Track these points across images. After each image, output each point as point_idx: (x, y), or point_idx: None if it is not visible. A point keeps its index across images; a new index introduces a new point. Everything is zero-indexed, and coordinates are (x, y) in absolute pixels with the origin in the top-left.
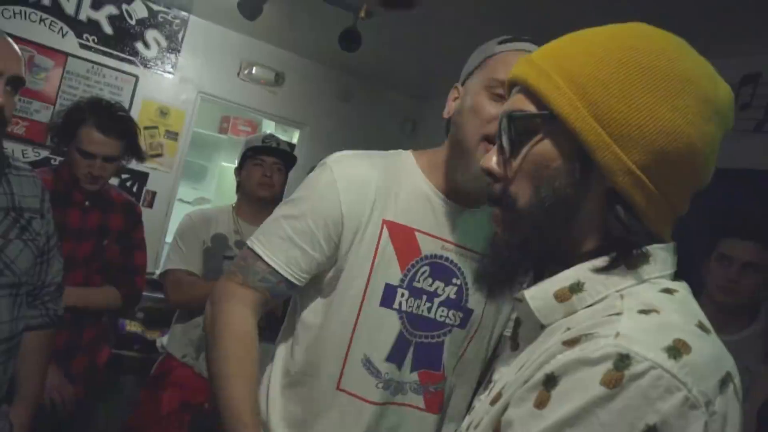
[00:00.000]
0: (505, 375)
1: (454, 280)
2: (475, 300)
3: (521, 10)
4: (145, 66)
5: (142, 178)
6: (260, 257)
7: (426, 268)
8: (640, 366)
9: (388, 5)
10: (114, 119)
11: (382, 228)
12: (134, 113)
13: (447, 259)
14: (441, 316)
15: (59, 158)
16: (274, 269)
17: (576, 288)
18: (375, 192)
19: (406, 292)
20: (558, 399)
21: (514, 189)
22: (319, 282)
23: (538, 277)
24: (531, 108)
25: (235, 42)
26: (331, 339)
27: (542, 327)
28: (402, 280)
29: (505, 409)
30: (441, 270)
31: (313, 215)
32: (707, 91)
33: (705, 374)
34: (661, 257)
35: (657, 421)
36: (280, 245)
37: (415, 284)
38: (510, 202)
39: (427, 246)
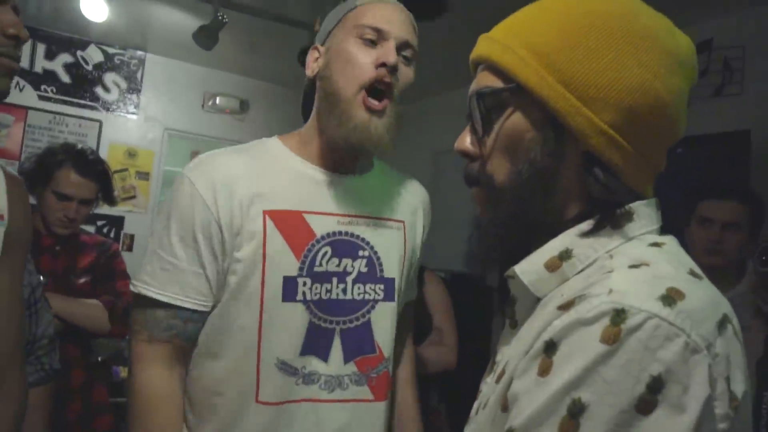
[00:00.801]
0: (507, 353)
1: (361, 253)
2: (391, 268)
3: (489, 15)
4: (108, 110)
5: (118, 222)
6: (154, 300)
7: (326, 248)
8: (637, 318)
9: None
10: (90, 162)
11: (264, 220)
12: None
13: (346, 233)
14: (359, 294)
15: None
16: (174, 307)
17: (565, 255)
18: (244, 185)
19: (308, 280)
20: (560, 363)
21: (491, 166)
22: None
23: (528, 252)
24: (498, 83)
25: (195, 74)
26: (235, 351)
27: (538, 300)
28: (300, 269)
29: (510, 384)
30: (344, 246)
31: (186, 233)
32: (669, 45)
33: (702, 318)
34: (645, 213)
35: (661, 370)
36: (168, 277)
37: (317, 269)
38: (489, 180)
39: (321, 225)
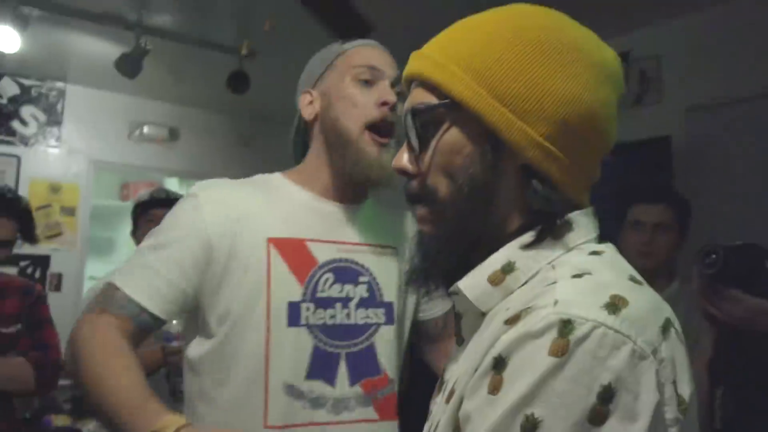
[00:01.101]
0: (455, 371)
1: (361, 279)
2: (389, 292)
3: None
4: (26, 144)
5: (43, 261)
6: (119, 288)
7: (328, 275)
8: (584, 328)
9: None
10: (5, 200)
11: (268, 248)
12: (22, 194)
13: (347, 260)
14: (362, 318)
15: None
16: (134, 300)
17: (508, 268)
18: (248, 213)
19: (311, 305)
20: (510, 379)
21: (431, 183)
22: (204, 325)
23: (470, 267)
24: (432, 100)
25: (120, 104)
26: (243, 377)
27: (483, 315)
28: (303, 294)
29: (460, 403)
30: (345, 273)
31: (179, 243)
32: (596, 57)
33: (646, 324)
34: (583, 223)
35: (611, 379)
36: (141, 275)
37: (320, 294)
38: (430, 197)
39: (322, 253)
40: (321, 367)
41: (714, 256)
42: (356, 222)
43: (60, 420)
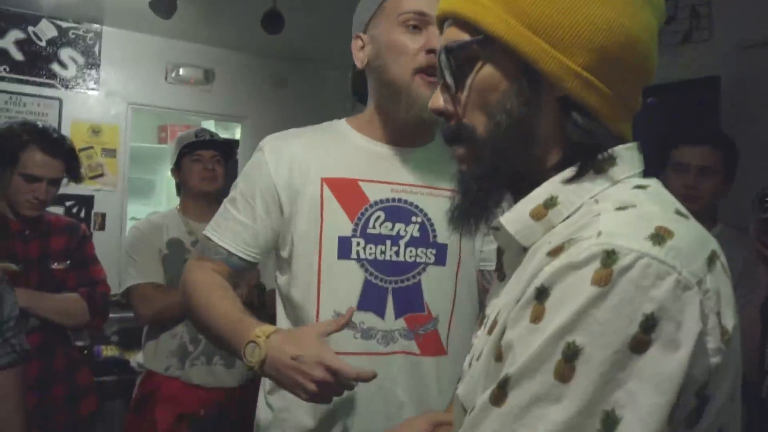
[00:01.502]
0: (497, 305)
1: (414, 219)
2: (444, 234)
3: None
4: (67, 87)
5: (87, 201)
6: (210, 239)
7: (379, 213)
8: (627, 258)
9: None
10: (56, 141)
11: (322, 186)
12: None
13: (400, 200)
14: (410, 257)
15: None
16: (223, 246)
17: (550, 203)
18: (308, 157)
19: (362, 240)
20: (552, 309)
21: (468, 121)
22: (281, 259)
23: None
24: (465, 37)
25: (156, 46)
26: (299, 305)
27: (525, 250)
28: (354, 230)
29: (503, 333)
30: (397, 212)
31: (249, 191)
32: None
33: (691, 255)
34: (627, 157)
35: (653, 308)
36: (225, 225)
37: (370, 231)
38: (468, 136)
39: (375, 192)
40: (371, 299)
41: None
42: (413, 164)
43: (109, 351)
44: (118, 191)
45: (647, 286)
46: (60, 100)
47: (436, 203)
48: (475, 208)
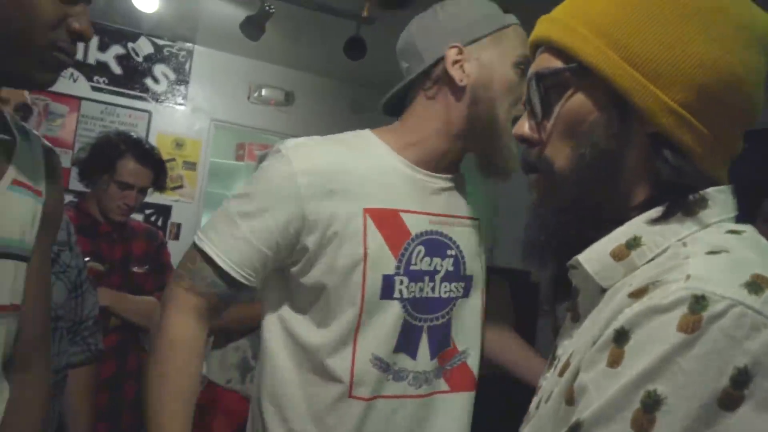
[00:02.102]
0: (569, 347)
1: (449, 252)
2: (471, 266)
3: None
4: (157, 100)
5: (165, 211)
6: (210, 259)
7: (420, 247)
8: (719, 305)
9: (385, 6)
10: (148, 151)
11: (365, 218)
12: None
13: (437, 232)
14: (446, 292)
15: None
16: (224, 271)
17: (633, 243)
18: (344, 180)
19: (405, 279)
20: (633, 353)
21: (551, 151)
22: (298, 292)
23: (590, 242)
24: (558, 64)
25: (241, 66)
26: (332, 347)
27: (602, 291)
28: (398, 267)
29: (575, 375)
30: (435, 245)
31: (272, 213)
32: (743, 18)
33: None
34: (720, 200)
35: (747, 362)
36: (233, 245)
37: (413, 267)
38: (548, 166)
39: (415, 224)
40: (406, 340)
41: None
42: (446, 193)
43: None
44: (194, 203)
45: (741, 338)
46: (150, 113)
47: (465, 234)
48: (551, 242)
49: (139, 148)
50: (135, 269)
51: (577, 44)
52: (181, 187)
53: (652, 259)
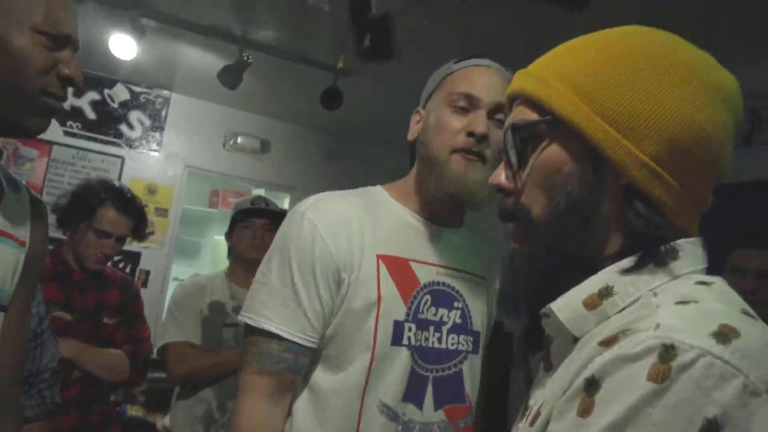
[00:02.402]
0: (540, 396)
1: (456, 304)
2: (478, 321)
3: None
4: (130, 146)
5: (134, 258)
6: (273, 335)
7: (427, 297)
8: (688, 355)
9: (367, 58)
10: (129, 200)
11: (378, 264)
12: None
13: (445, 284)
14: (453, 344)
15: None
16: (290, 342)
17: (605, 292)
18: (359, 229)
19: (413, 326)
20: (603, 403)
21: (526, 200)
22: (322, 341)
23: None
24: (533, 116)
25: (218, 114)
26: (342, 392)
27: (575, 340)
28: (407, 314)
29: (546, 425)
30: (442, 296)
31: (307, 270)
32: (711, 78)
33: (761, 359)
34: (690, 251)
35: (717, 413)
36: (287, 315)
37: (420, 316)
38: (525, 214)
39: (424, 274)
40: (413, 389)
41: None
42: (452, 246)
43: (134, 411)
44: (165, 250)
45: (709, 388)
46: (122, 158)
47: (471, 289)
48: (526, 291)
49: (120, 197)
50: (106, 320)
51: (551, 97)
52: (152, 233)
53: (624, 309)
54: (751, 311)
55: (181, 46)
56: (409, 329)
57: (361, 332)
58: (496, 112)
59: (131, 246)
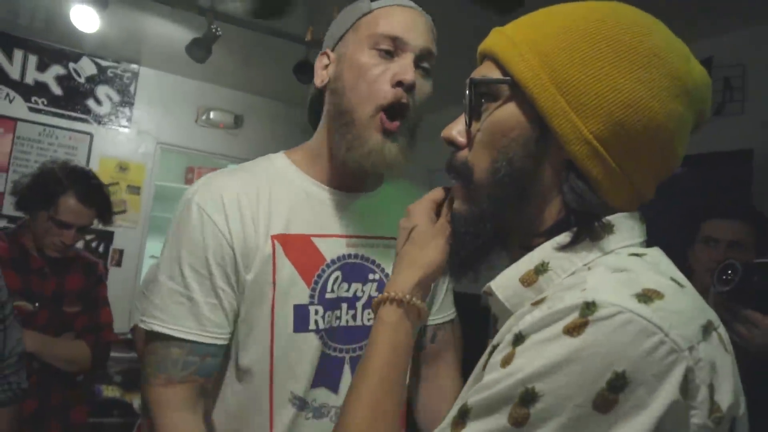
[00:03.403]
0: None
1: (371, 276)
2: None
3: (480, 34)
4: (99, 123)
5: (107, 237)
6: (169, 337)
7: (336, 273)
8: (606, 311)
9: None
10: (93, 189)
11: (273, 245)
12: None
13: (357, 255)
14: (369, 320)
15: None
16: (192, 343)
17: (541, 268)
18: (253, 209)
19: (320, 308)
20: (521, 353)
21: (472, 158)
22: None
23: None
24: (496, 75)
25: (189, 89)
26: (249, 387)
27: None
28: (311, 296)
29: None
30: (354, 270)
31: (200, 261)
32: (677, 69)
33: (682, 319)
34: (626, 226)
35: (626, 367)
36: (182, 312)
37: (329, 295)
38: (467, 174)
39: (330, 249)
40: (325, 373)
41: (731, 272)
42: (367, 212)
43: (110, 391)
44: (138, 228)
45: (624, 342)
46: (91, 135)
47: (392, 256)
48: (464, 252)
49: (83, 185)
50: (66, 308)
51: (513, 59)
52: (124, 212)
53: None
54: (682, 280)
55: (148, 17)
56: (316, 312)
57: (260, 322)
58: (422, 59)
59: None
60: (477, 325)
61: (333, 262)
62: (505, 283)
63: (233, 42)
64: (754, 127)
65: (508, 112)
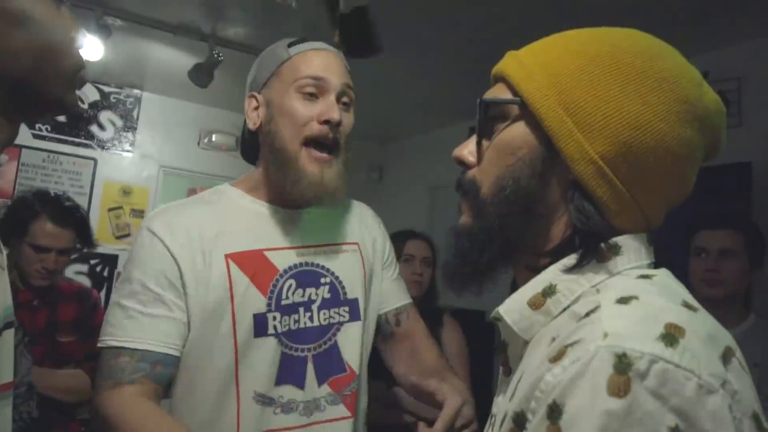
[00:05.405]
0: (502, 405)
1: (323, 280)
2: (354, 289)
3: (483, 50)
4: (103, 148)
5: (111, 261)
6: (119, 348)
7: (290, 281)
8: (641, 363)
9: (355, 54)
10: (67, 210)
11: (227, 263)
12: (96, 196)
13: (307, 264)
14: (325, 319)
15: None
16: (142, 351)
17: (549, 291)
18: (203, 231)
19: (278, 314)
20: (570, 428)
21: (480, 176)
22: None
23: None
24: (507, 96)
25: (191, 112)
26: (214, 390)
27: (526, 342)
28: (268, 305)
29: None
30: (306, 276)
31: (149, 278)
32: (688, 95)
33: (707, 355)
34: (633, 247)
35: (677, 420)
36: (133, 325)
37: (285, 302)
38: (474, 191)
39: (282, 260)
40: (289, 372)
41: None
42: (313, 224)
43: None
44: None
45: (667, 395)
46: (95, 160)
47: (340, 260)
48: (467, 267)
49: (56, 207)
50: (61, 338)
51: (523, 80)
52: (128, 235)
53: (568, 307)
54: (693, 302)
55: (150, 44)
56: (274, 318)
57: (221, 333)
58: (343, 95)
59: (108, 249)
60: (481, 340)
61: (285, 271)
62: (512, 307)
63: (234, 66)
64: (752, 140)
65: (517, 131)
